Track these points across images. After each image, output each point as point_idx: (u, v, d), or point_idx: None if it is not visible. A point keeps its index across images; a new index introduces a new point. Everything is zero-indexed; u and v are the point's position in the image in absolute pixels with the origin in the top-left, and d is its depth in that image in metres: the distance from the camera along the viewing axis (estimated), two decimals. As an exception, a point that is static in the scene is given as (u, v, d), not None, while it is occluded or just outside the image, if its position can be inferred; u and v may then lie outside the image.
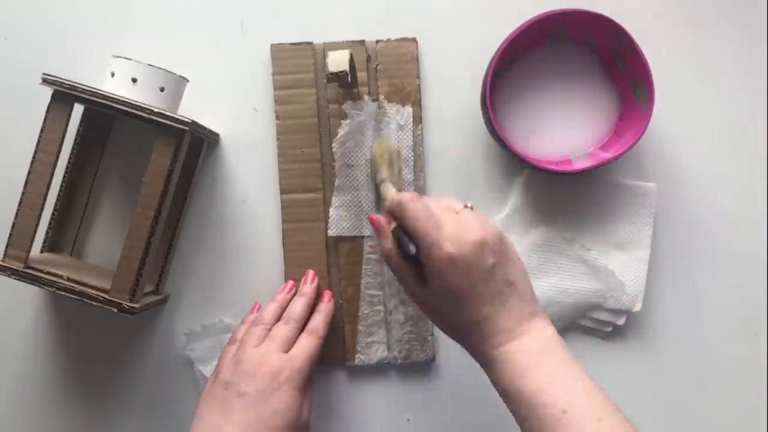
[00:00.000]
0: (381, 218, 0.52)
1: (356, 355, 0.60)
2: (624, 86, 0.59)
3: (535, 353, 0.45)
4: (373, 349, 0.60)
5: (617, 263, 0.60)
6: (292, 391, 0.51)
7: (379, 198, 0.60)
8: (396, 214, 0.49)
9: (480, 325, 0.46)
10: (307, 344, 0.54)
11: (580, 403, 0.42)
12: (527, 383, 0.43)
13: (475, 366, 0.62)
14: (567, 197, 0.61)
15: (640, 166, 0.61)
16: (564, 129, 0.60)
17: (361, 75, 0.60)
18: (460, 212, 0.48)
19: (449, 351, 0.61)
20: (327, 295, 0.59)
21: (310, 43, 0.60)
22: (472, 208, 0.48)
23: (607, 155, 0.56)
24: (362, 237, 0.60)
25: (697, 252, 0.62)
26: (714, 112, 0.62)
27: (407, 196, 0.48)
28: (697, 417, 0.62)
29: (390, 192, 0.54)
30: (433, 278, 0.46)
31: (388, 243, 0.49)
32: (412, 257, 0.47)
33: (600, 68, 0.60)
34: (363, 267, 0.60)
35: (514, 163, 0.61)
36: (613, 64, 0.59)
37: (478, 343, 0.46)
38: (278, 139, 0.60)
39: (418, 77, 0.60)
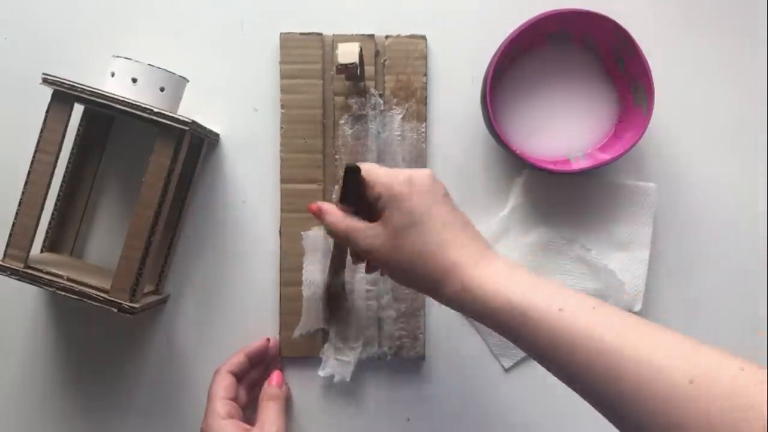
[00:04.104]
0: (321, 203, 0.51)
1: None
2: (624, 88, 0.58)
3: (510, 268, 0.44)
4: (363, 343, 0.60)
5: (617, 263, 0.60)
6: None
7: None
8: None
9: (446, 246, 0.44)
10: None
11: (571, 297, 0.41)
12: (515, 291, 0.41)
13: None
14: (567, 197, 0.61)
15: (640, 166, 0.61)
16: (563, 130, 0.60)
17: (369, 69, 0.60)
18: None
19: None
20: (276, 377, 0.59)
21: (320, 34, 0.60)
22: None
23: (605, 156, 0.56)
24: None
25: (697, 252, 0.62)
26: (714, 112, 0.62)
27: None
28: (697, 417, 0.62)
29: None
30: (392, 209, 0.45)
31: (332, 211, 0.48)
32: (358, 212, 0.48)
33: (600, 69, 0.60)
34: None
35: (514, 163, 0.61)
36: (614, 65, 0.58)
37: (449, 271, 0.44)
38: (282, 128, 0.60)
39: (425, 75, 0.60)
